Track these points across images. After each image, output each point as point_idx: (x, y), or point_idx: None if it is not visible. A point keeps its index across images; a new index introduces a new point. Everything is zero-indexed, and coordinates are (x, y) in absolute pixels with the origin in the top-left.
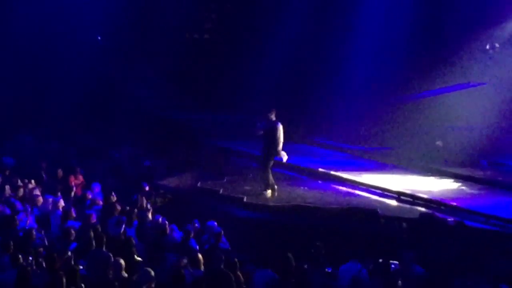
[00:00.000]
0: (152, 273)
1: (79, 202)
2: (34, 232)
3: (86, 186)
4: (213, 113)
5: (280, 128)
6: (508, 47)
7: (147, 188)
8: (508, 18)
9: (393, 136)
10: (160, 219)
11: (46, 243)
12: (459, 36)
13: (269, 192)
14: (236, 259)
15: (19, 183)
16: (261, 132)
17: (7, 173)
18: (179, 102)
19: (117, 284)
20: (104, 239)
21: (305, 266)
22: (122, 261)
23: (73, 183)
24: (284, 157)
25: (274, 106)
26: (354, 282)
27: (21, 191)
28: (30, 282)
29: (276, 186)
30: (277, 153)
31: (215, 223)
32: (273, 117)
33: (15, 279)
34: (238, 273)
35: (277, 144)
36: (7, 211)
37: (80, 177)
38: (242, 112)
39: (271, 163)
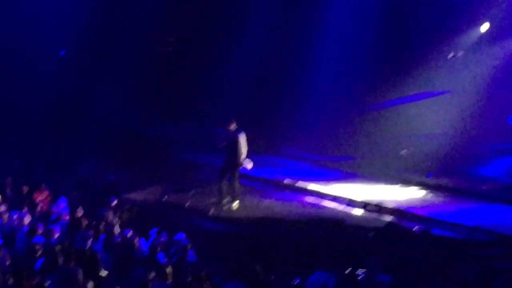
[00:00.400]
0: None
1: (45, 218)
2: (0, 248)
3: (52, 201)
4: (178, 126)
5: (242, 138)
6: (471, 55)
7: (115, 202)
8: (471, 25)
9: (359, 145)
10: (129, 233)
11: (12, 259)
12: (423, 44)
13: (236, 203)
14: (204, 272)
15: None
16: (223, 144)
17: None
18: (144, 115)
19: None
20: (72, 254)
21: (272, 278)
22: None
23: (38, 199)
24: (249, 165)
25: (235, 116)
26: None
27: None
28: None
29: (239, 198)
30: (240, 163)
31: (183, 236)
32: (233, 128)
33: None
34: (205, 286)
35: (240, 154)
36: None
37: (45, 192)
38: (208, 124)
39: (237, 173)
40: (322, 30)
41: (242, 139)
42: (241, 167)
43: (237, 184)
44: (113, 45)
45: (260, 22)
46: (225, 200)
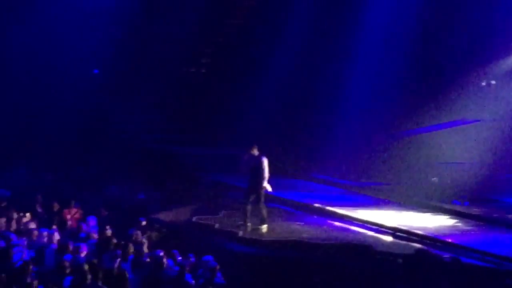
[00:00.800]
0: None
1: (74, 236)
2: (30, 265)
3: (82, 219)
4: (209, 147)
5: (265, 162)
6: (503, 84)
7: (144, 223)
8: (504, 54)
9: (389, 171)
10: (158, 253)
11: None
12: (455, 72)
13: (264, 227)
14: None
15: (14, 216)
16: (246, 168)
17: (2, 205)
18: (175, 136)
19: None
20: (100, 273)
21: None
22: None
23: (68, 216)
24: (268, 188)
25: (257, 141)
26: None
27: (16, 224)
28: None
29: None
30: (263, 187)
31: (211, 258)
32: (256, 152)
33: None
34: None
35: (263, 178)
36: (2, 244)
37: (75, 210)
38: (238, 146)
39: (263, 197)
40: (354, 55)
41: (265, 163)
42: (264, 190)
43: (264, 208)
44: (145, 65)
45: (290, 47)
46: (249, 224)
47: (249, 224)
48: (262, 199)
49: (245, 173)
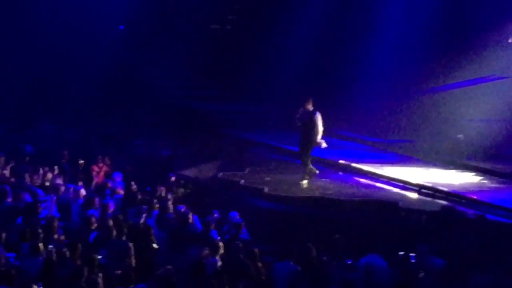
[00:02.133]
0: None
1: (100, 191)
2: (56, 221)
3: (108, 175)
4: (235, 104)
5: (319, 117)
6: None
7: (173, 178)
8: None
9: (415, 129)
10: (183, 209)
11: (67, 232)
12: (482, 29)
13: (305, 181)
14: (256, 250)
15: (40, 171)
16: (300, 123)
17: (27, 160)
18: (201, 92)
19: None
20: (125, 229)
21: (325, 258)
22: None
23: (95, 171)
24: (323, 144)
25: (312, 96)
26: (368, 273)
27: (41, 179)
28: (55, 272)
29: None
30: (316, 142)
31: (237, 214)
32: (310, 107)
33: (40, 268)
34: (258, 263)
35: (316, 133)
36: (29, 198)
37: (101, 165)
38: (264, 103)
39: (310, 152)
40: (382, 12)
41: (319, 119)
42: (316, 146)
43: (310, 163)
44: (172, 21)
45: (319, 3)
46: (315, 171)
47: (305, 180)
48: (309, 154)
49: (298, 128)
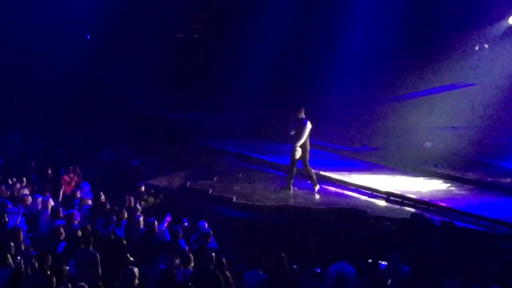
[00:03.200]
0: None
1: (68, 202)
2: (21, 232)
3: (77, 185)
4: (202, 113)
5: (308, 126)
6: (496, 48)
7: (143, 188)
8: (498, 18)
9: (382, 136)
10: (152, 219)
11: (35, 242)
12: (448, 37)
13: (317, 187)
14: (224, 259)
15: (9, 181)
16: (293, 132)
17: None
18: (169, 101)
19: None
20: (92, 239)
21: (294, 267)
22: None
23: (66, 182)
24: (297, 154)
25: (304, 104)
26: (339, 281)
27: (9, 191)
28: (22, 282)
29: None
30: (295, 148)
31: (205, 223)
32: (302, 115)
33: (7, 279)
34: (227, 273)
35: (297, 139)
36: None
37: (72, 175)
38: (231, 112)
39: (308, 157)
40: (349, 20)
41: (307, 128)
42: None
43: (311, 170)
44: (139, 31)
45: (286, 11)
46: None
47: (317, 186)
48: (307, 161)
49: (292, 137)
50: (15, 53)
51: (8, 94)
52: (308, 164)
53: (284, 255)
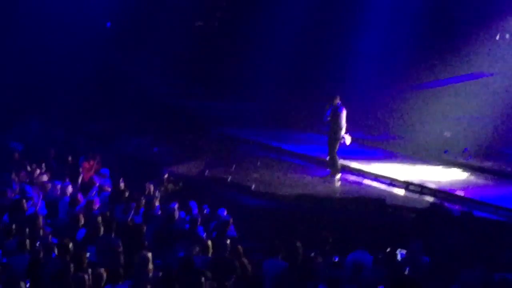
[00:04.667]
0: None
1: (87, 189)
2: (40, 218)
3: (96, 172)
4: (221, 101)
5: (343, 112)
6: None
7: (166, 176)
8: None
9: (402, 125)
10: (171, 206)
11: (54, 229)
12: (470, 26)
13: (338, 176)
14: (240, 247)
15: (28, 168)
16: (329, 119)
17: (16, 157)
18: (188, 89)
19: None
20: (114, 225)
21: (312, 255)
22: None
23: (86, 168)
24: (348, 140)
25: (339, 92)
26: (356, 269)
27: (29, 177)
28: (41, 268)
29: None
30: (340, 137)
31: (225, 211)
32: (337, 103)
33: (26, 265)
34: (244, 260)
35: (341, 128)
36: (16, 195)
37: (92, 162)
38: (251, 100)
39: (337, 147)
40: (369, 8)
41: (344, 114)
42: (341, 141)
43: (336, 158)
44: (158, 19)
45: (305, 2)
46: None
47: (338, 175)
48: (336, 149)
49: (327, 124)
50: (35, 42)
51: (28, 83)
52: (335, 151)
53: (299, 243)
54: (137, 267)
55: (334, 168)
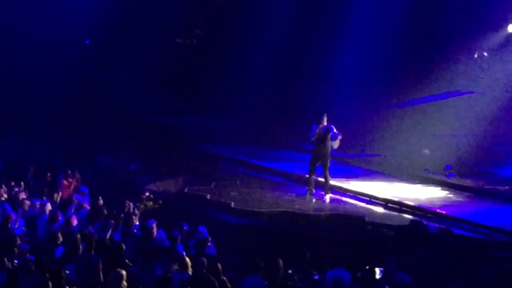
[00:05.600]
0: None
1: (66, 206)
2: (17, 236)
3: (75, 189)
4: (200, 118)
5: (333, 129)
6: (495, 57)
7: (146, 194)
8: (497, 26)
9: (381, 143)
10: (150, 224)
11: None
12: (448, 45)
13: (328, 196)
14: (219, 264)
15: (6, 186)
16: (315, 137)
17: None
18: (167, 106)
19: None
20: (93, 243)
21: (291, 272)
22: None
23: (65, 186)
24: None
25: (326, 111)
26: (336, 287)
27: (8, 194)
28: (19, 287)
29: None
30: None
31: (205, 229)
32: (325, 122)
33: (4, 283)
34: (223, 278)
35: (329, 147)
36: None
37: (71, 180)
38: (230, 117)
39: (328, 165)
40: (348, 26)
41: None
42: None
43: (328, 176)
44: (138, 36)
45: (285, 19)
46: (313, 190)
47: (313, 190)
48: (328, 167)
49: (313, 143)
50: (13, 57)
51: (6, 99)
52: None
53: (280, 261)
54: (111, 284)
55: (327, 186)
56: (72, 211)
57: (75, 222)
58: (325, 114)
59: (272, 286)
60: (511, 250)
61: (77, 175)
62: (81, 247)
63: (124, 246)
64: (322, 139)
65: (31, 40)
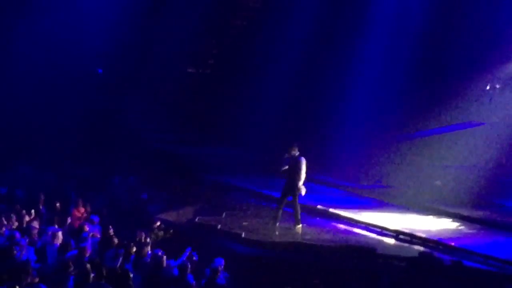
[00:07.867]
0: None
1: (77, 234)
2: (30, 264)
3: (86, 218)
4: (213, 147)
5: (303, 162)
6: (508, 88)
7: (158, 223)
8: (508, 58)
9: (393, 174)
10: (160, 253)
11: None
12: (460, 76)
13: (299, 227)
14: None
15: (17, 214)
16: (285, 168)
17: (4, 204)
18: (179, 135)
19: None
20: (104, 272)
21: None
22: None
23: (76, 215)
24: (303, 191)
25: (297, 142)
26: None
27: (19, 223)
28: None
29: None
30: (298, 188)
31: (222, 261)
32: (296, 152)
33: None
34: None
35: (299, 179)
36: (5, 242)
37: (82, 210)
38: (241, 148)
39: (297, 197)
40: (358, 59)
41: (303, 164)
42: (298, 192)
43: (298, 208)
44: (151, 65)
45: (295, 49)
46: (277, 225)
47: (277, 225)
48: (297, 200)
49: (283, 174)
50: (26, 86)
51: (18, 127)
52: (296, 201)
53: None
54: None
55: (297, 219)
56: (86, 240)
57: (88, 251)
58: (295, 143)
59: None
60: None
61: (88, 206)
62: (91, 276)
63: (131, 275)
64: (291, 171)
65: (43, 69)
